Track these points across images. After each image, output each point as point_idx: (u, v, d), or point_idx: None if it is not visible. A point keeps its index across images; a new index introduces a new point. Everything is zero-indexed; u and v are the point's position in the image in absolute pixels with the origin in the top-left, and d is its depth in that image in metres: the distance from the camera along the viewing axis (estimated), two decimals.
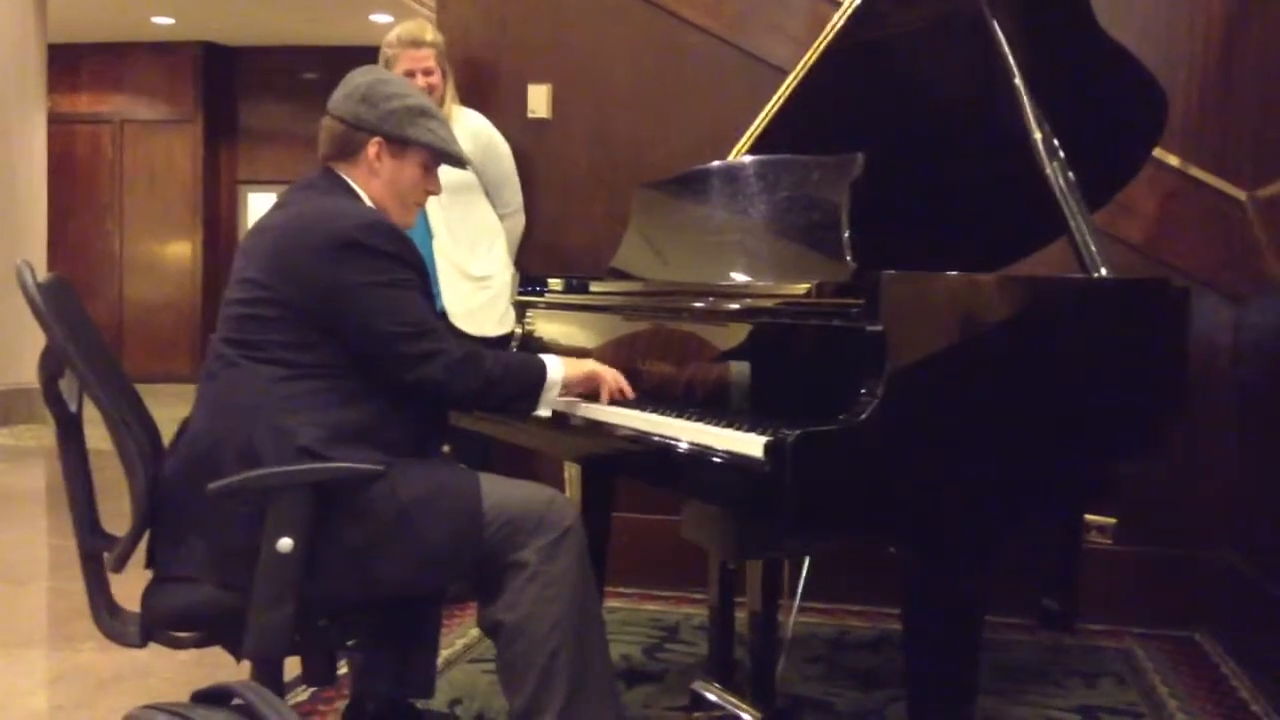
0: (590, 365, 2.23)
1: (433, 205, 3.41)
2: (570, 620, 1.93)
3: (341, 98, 2.11)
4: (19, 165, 7.97)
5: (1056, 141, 2.28)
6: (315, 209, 2.02)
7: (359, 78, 2.13)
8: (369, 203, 2.10)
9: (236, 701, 1.33)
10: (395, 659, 2.22)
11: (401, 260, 2.00)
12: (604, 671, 2.02)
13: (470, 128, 3.53)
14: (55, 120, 9.22)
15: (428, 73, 3.47)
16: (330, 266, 1.94)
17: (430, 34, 3.52)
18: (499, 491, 1.98)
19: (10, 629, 3.45)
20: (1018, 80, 2.30)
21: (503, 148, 3.61)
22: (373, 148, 2.09)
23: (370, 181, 2.11)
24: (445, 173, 3.37)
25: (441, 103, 3.49)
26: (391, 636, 2.13)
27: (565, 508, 2.01)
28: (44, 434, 7.34)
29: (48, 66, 8.36)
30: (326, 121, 2.12)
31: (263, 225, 2.09)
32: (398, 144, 2.10)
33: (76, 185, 11.22)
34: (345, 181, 2.10)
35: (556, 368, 2.14)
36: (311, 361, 1.94)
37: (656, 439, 2.03)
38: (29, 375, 7.58)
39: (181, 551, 1.90)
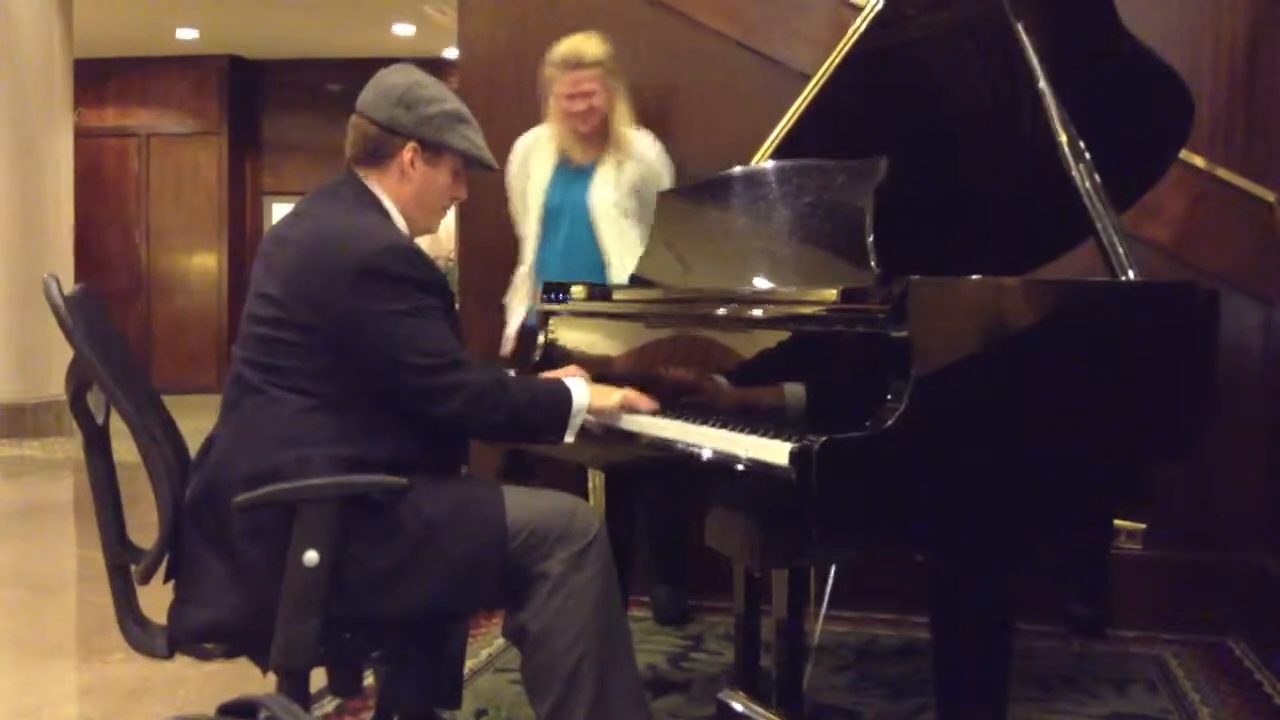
0: (619, 396, 2.16)
1: (611, 236, 3.28)
2: (595, 629, 1.92)
3: (376, 98, 2.06)
4: (46, 179, 8.04)
5: (1082, 144, 2.26)
6: (337, 228, 1.98)
7: (394, 78, 2.07)
8: (393, 211, 2.07)
9: (263, 715, 1.32)
10: (422, 670, 2.22)
11: (424, 286, 1.95)
12: (630, 679, 2.01)
13: (640, 153, 3.35)
14: (82, 134, 9.32)
15: (587, 95, 3.24)
16: (350, 294, 1.90)
17: (594, 49, 3.26)
18: (522, 503, 1.97)
19: (40, 639, 3.47)
20: (1042, 83, 2.28)
21: (666, 178, 3.36)
22: (408, 153, 2.05)
23: (400, 188, 2.07)
24: (613, 197, 3.30)
25: (605, 126, 3.29)
26: (418, 648, 2.12)
27: (589, 517, 2.00)
28: (73, 446, 7.39)
29: (74, 81, 8.44)
30: (358, 122, 2.07)
31: (283, 235, 2.04)
32: (433, 150, 2.06)
33: (104, 198, 11.32)
34: (370, 191, 2.06)
35: (583, 395, 2.08)
36: (335, 392, 1.91)
37: (680, 447, 2.02)
38: (58, 388, 7.58)
39: (202, 575, 1.90)
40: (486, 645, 3.17)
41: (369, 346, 1.91)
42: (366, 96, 2.07)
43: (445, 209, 2.17)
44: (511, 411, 2.00)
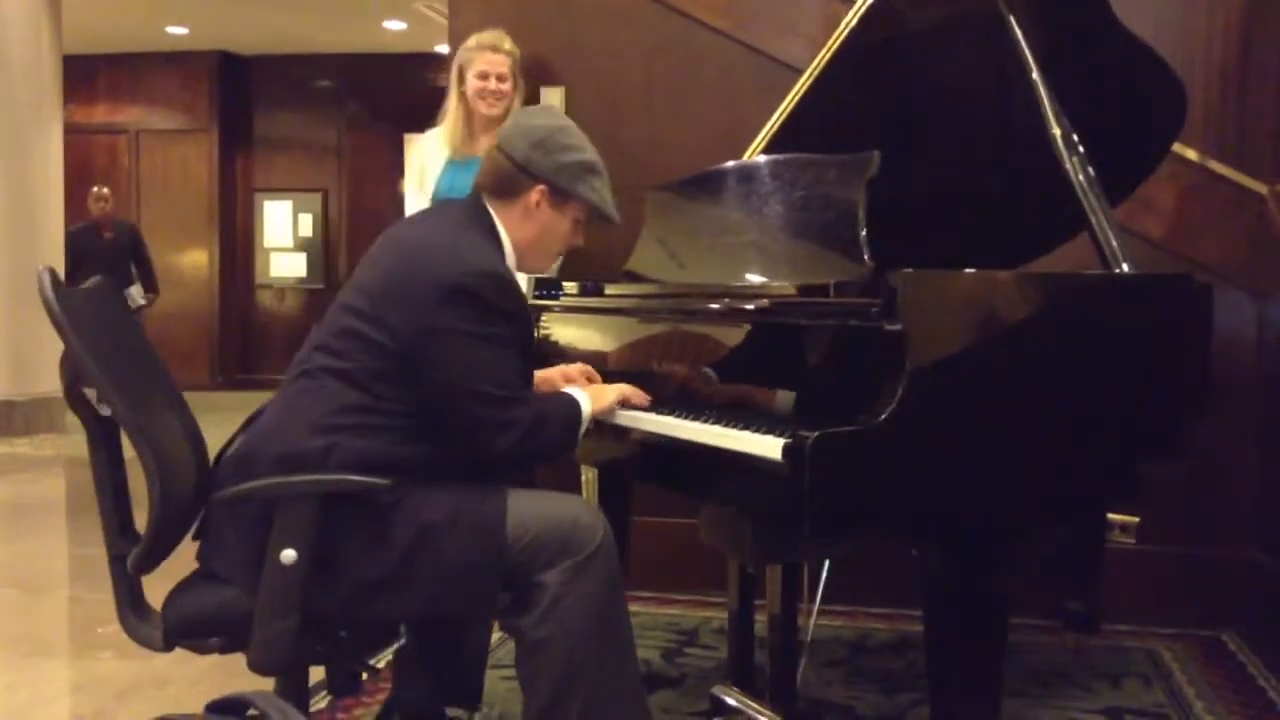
0: (614, 393, 2.17)
1: None
2: (594, 638, 1.89)
3: (516, 135, 2.09)
4: (35, 176, 8.01)
5: (1075, 136, 2.26)
6: (443, 240, 2.00)
7: (539, 119, 2.12)
8: (507, 244, 2.09)
9: (252, 712, 1.31)
10: (438, 668, 2.19)
11: (507, 315, 1.96)
12: (630, 686, 1.98)
13: None
14: (72, 131, 9.27)
15: (501, 79, 3.47)
16: (435, 307, 1.90)
17: (508, 44, 3.53)
18: (525, 509, 1.93)
19: (30, 638, 3.46)
20: (1035, 75, 2.28)
21: None
22: (535, 195, 2.07)
23: (521, 225, 2.09)
24: None
25: (506, 115, 3.46)
26: (434, 646, 2.10)
27: (593, 526, 1.95)
28: (64, 443, 7.37)
29: (64, 78, 8.41)
30: (495, 154, 2.10)
31: (397, 235, 2.10)
32: (560, 196, 2.08)
33: None
34: (491, 218, 2.09)
35: (587, 405, 2.10)
36: (391, 396, 1.92)
37: (673, 442, 2.01)
38: (48, 385, 7.63)
39: (220, 547, 1.91)
40: None
41: (436, 361, 1.91)
42: (508, 132, 2.12)
43: (559, 255, 2.21)
44: (547, 447, 2.02)
